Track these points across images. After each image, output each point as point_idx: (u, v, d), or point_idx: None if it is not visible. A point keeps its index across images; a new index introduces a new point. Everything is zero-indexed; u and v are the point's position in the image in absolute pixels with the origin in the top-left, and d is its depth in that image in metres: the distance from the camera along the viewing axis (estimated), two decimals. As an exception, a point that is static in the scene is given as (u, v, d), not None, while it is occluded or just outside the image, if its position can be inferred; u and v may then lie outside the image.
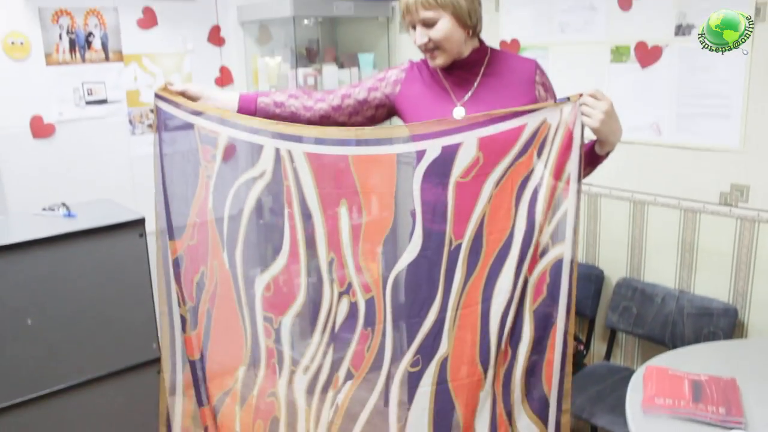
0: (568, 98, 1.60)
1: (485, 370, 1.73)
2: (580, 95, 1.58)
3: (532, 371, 1.73)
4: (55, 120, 2.88)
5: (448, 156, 1.67)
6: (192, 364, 1.95)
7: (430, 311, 1.73)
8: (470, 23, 1.74)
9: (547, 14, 2.81)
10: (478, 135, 1.64)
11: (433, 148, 1.66)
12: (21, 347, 2.27)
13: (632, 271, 2.72)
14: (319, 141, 1.73)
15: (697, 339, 2.44)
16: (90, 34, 2.93)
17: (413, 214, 1.81)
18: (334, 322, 1.79)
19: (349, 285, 1.76)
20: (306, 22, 3.47)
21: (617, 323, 2.68)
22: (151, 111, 3.12)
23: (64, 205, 2.55)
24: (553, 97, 1.85)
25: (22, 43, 2.76)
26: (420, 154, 1.69)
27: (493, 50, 1.84)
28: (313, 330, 1.81)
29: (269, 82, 3.37)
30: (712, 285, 2.49)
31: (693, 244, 2.52)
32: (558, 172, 1.63)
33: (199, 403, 1.98)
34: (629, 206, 2.68)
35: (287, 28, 3.34)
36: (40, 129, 2.85)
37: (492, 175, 1.66)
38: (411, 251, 1.72)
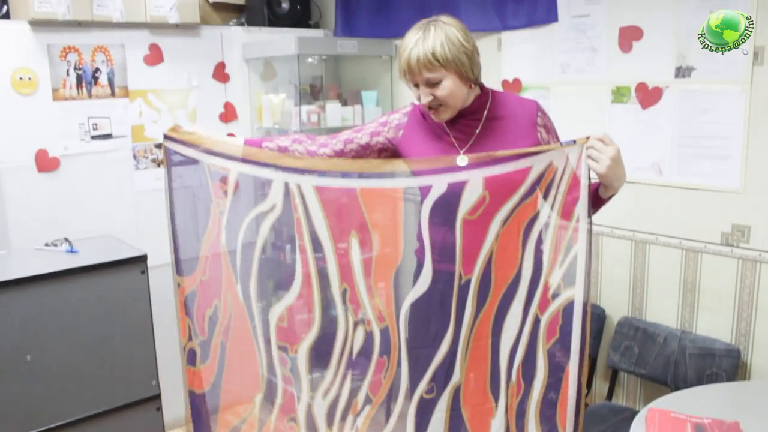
0: (575, 141, 1.60)
1: (496, 400, 1.77)
2: (587, 138, 1.59)
3: (547, 409, 1.75)
4: (60, 154, 2.90)
5: (454, 193, 1.69)
6: (197, 396, 1.98)
7: (442, 342, 1.76)
8: (473, 77, 1.75)
9: (548, 54, 2.85)
10: (483, 174, 1.66)
11: (438, 185, 1.69)
12: (20, 384, 2.26)
13: (634, 311, 2.72)
14: (325, 174, 1.76)
15: (700, 380, 2.42)
16: (97, 70, 2.97)
17: (417, 253, 1.83)
18: (351, 350, 1.83)
19: (364, 314, 1.80)
20: (310, 59, 3.52)
21: (619, 363, 2.66)
22: (156, 146, 3.14)
23: (66, 240, 2.56)
24: (556, 138, 1.86)
25: (30, 79, 2.79)
26: (426, 190, 1.71)
27: (494, 93, 1.85)
28: (330, 357, 1.85)
29: (273, 118, 3.40)
30: (714, 325, 2.48)
31: (695, 284, 2.52)
32: (566, 215, 1.64)
33: None
34: (631, 245, 2.69)
35: (291, 65, 3.38)
36: (45, 163, 2.87)
37: (498, 214, 1.68)
38: (422, 284, 1.76)
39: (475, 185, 1.66)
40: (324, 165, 1.79)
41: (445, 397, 1.79)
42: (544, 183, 1.64)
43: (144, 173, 3.13)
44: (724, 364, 2.39)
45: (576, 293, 1.63)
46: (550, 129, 1.85)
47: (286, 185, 1.77)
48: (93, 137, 2.99)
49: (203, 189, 1.91)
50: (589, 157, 1.58)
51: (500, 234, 1.69)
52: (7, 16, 2.86)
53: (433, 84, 1.71)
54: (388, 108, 3.56)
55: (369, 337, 1.81)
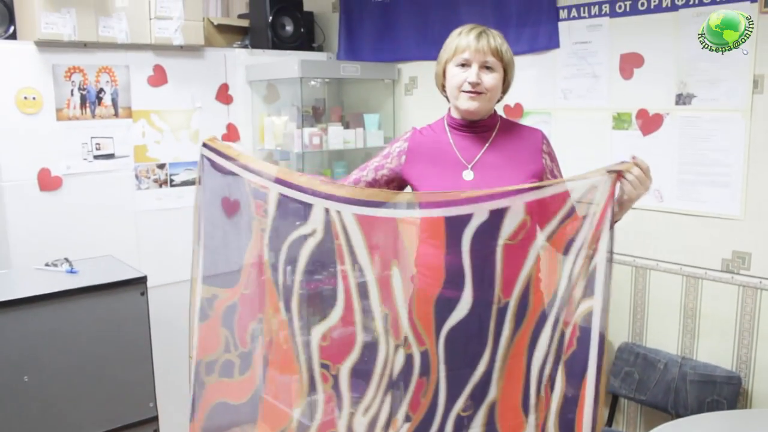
0: (622, 162, 1.62)
1: (526, 415, 1.80)
2: (634, 160, 1.62)
3: (564, 421, 1.75)
4: (63, 173, 2.91)
5: (495, 220, 1.71)
6: (231, 408, 2.04)
7: (480, 363, 1.78)
8: (506, 89, 1.88)
9: (550, 80, 2.87)
10: (524, 200, 1.68)
11: (480, 213, 1.70)
12: (16, 404, 2.25)
13: (634, 336, 2.71)
14: (364, 203, 1.78)
15: (701, 407, 2.41)
16: (101, 90, 2.98)
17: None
18: (391, 372, 1.84)
19: (405, 338, 1.82)
20: (313, 82, 3.54)
21: (619, 388, 2.65)
22: (159, 167, 3.16)
23: (66, 260, 2.56)
24: (558, 166, 1.91)
25: (34, 98, 2.81)
26: (466, 218, 1.72)
27: (502, 119, 1.92)
28: (371, 377, 1.87)
29: (275, 140, 3.42)
30: (715, 352, 2.47)
31: (695, 311, 2.51)
32: (596, 230, 1.65)
33: None
34: (631, 271, 2.68)
35: (294, 87, 3.40)
36: (47, 182, 2.88)
37: (539, 237, 1.72)
38: (461, 309, 1.77)
39: (516, 211, 1.68)
40: (363, 194, 1.81)
41: (481, 414, 1.82)
42: (584, 203, 1.66)
43: (146, 193, 3.14)
44: (725, 392, 2.37)
45: (594, 304, 1.63)
46: (553, 157, 1.91)
47: (326, 211, 1.80)
48: (96, 157, 3.00)
49: (243, 204, 1.95)
50: (628, 180, 1.61)
51: (539, 256, 1.73)
52: (13, 36, 2.88)
53: (487, 69, 1.81)
54: (390, 131, 3.57)
55: (409, 359, 1.83)
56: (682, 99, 2.46)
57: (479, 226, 1.70)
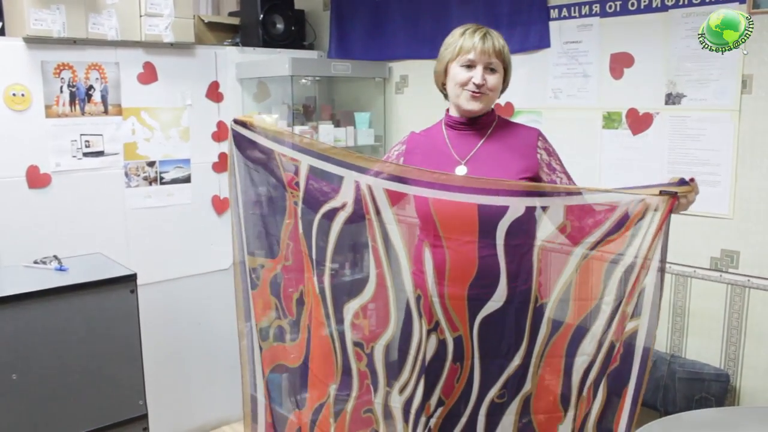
0: (688, 180, 1.63)
1: (565, 410, 1.81)
2: (692, 180, 1.64)
3: (603, 427, 1.77)
4: (52, 170, 2.89)
5: (532, 217, 1.72)
6: (291, 370, 2.10)
7: (515, 356, 1.80)
8: (504, 88, 1.92)
9: (541, 80, 2.88)
10: (565, 203, 1.69)
11: (516, 207, 1.70)
12: (5, 403, 2.24)
13: (624, 335, 2.72)
14: (395, 179, 1.79)
15: (689, 404, 2.42)
16: (90, 87, 2.97)
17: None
18: (424, 357, 1.85)
19: (437, 323, 1.82)
20: (303, 80, 3.54)
21: (609, 387, 2.66)
22: (149, 165, 3.14)
23: (56, 258, 2.55)
24: (558, 160, 1.92)
25: (23, 95, 2.79)
26: (502, 210, 1.72)
27: (500, 117, 1.95)
28: (405, 359, 1.88)
29: (266, 138, 3.41)
30: (703, 350, 2.49)
31: (684, 309, 2.53)
32: (648, 249, 1.64)
33: (297, 407, 2.10)
34: (621, 269, 2.69)
35: (285, 85, 3.40)
36: (36, 179, 2.86)
37: (581, 246, 1.72)
38: (497, 300, 1.78)
39: (555, 212, 1.69)
40: (397, 170, 1.83)
41: (516, 403, 1.83)
42: (633, 220, 1.65)
43: (135, 191, 3.12)
44: (713, 389, 2.39)
45: (640, 324, 1.65)
46: (551, 152, 1.92)
47: (357, 184, 1.81)
48: (85, 154, 2.98)
49: (276, 177, 1.96)
50: (681, 204, 1.64)
51: (580, 266, 1.73)
52: (2, 32, 2.86)
53: (490, 70, 1.85)
54: (380, 129, 3.58)
55: (442, 344, 1.83)
56: (671, 99, 2.48)
57: (514, 221, 1.71)
